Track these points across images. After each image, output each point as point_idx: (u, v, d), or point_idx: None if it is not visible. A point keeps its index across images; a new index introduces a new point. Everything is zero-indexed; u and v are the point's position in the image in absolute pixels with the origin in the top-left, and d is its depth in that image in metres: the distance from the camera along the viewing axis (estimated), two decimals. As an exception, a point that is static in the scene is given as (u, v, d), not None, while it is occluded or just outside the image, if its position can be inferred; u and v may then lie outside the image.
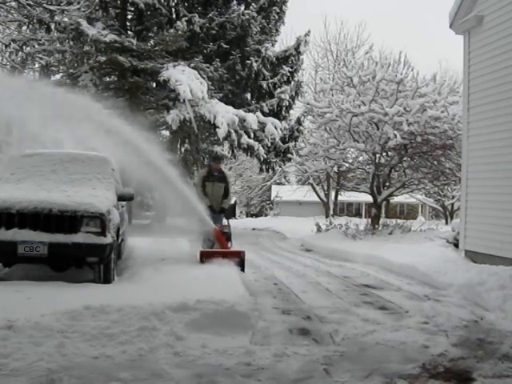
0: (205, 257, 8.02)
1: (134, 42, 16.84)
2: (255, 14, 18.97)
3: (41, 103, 6.48)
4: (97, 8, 18.03)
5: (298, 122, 20.57)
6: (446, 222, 28.51)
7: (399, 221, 16.70)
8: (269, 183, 43.49)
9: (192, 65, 16.53)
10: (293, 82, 20.58)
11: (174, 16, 18.83)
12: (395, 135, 14.20)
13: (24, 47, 18.40)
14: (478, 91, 9.19)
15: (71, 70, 18.02)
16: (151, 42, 18.20)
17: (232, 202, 9.71)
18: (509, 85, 8.27)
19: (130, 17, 19.24)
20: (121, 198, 7.55)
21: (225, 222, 9.63)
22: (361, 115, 14.81)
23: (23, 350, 3.93)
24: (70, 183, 6.99)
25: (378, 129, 15.13)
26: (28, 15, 16.76)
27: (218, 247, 8.60)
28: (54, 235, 6.22)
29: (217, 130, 16.54)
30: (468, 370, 4.09)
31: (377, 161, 15.73)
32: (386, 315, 5.83)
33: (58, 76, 19.14)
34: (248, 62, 18.99)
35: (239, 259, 8.19)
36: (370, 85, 15.28)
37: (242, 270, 8.16)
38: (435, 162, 15.79)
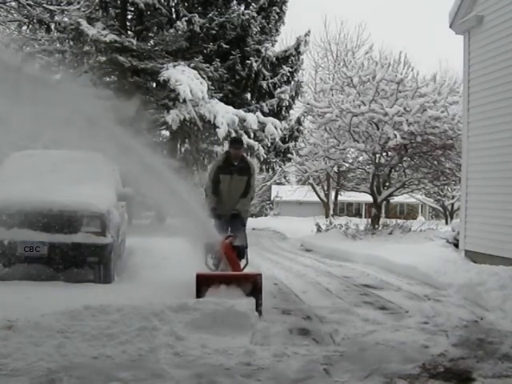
0: (203, 285, 5.49)
1: (134, 41, 16.84)
2: (255, 14, 18.98)
3: (40, 101, 6.42)
4: (97, 8, 18.02)
5: (298, 122, 20.56)
6: (446, 222, 28.50)
7: (399, 221, 16.71)
8: (269, 183, 43.44)
9: (192, 65, 16.52)
10: (293, 82, 20.57)
11: (174, 16, 18.84)
12: (395, 135, 14.21)
13: (24, 47, 18.37)
14: (478, 91, 9.19)
15: (71, 70, 17.99)
16: (151, 42, 18.20)
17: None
18: (509, 85, 8.27)
19: (130, 17, 19.22)
20: (121, 197, 7.55)
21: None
22: (361, 115, 14.82)
23: (23, 349, 3.93)
24: (69, 183, 6.97)
25: (378, 129, 15.13)
26: (28, 15, 16.71)
27: (226, 267, 6.09)
28: (53, 235, 6.24)
29: (217, 130, 16.52)
30: (468, 369, 4.09)
31: (377, 161, 15.74)
32: (386, 315, 5.83)
33: (57, 76, 19.12)
34: (248, 62, 18.98)
35: (253, 286, 5.59)
36: (369, 85, 15.29)
37: (257, 306, 5.42)
38: (435, 162, 15.81)
